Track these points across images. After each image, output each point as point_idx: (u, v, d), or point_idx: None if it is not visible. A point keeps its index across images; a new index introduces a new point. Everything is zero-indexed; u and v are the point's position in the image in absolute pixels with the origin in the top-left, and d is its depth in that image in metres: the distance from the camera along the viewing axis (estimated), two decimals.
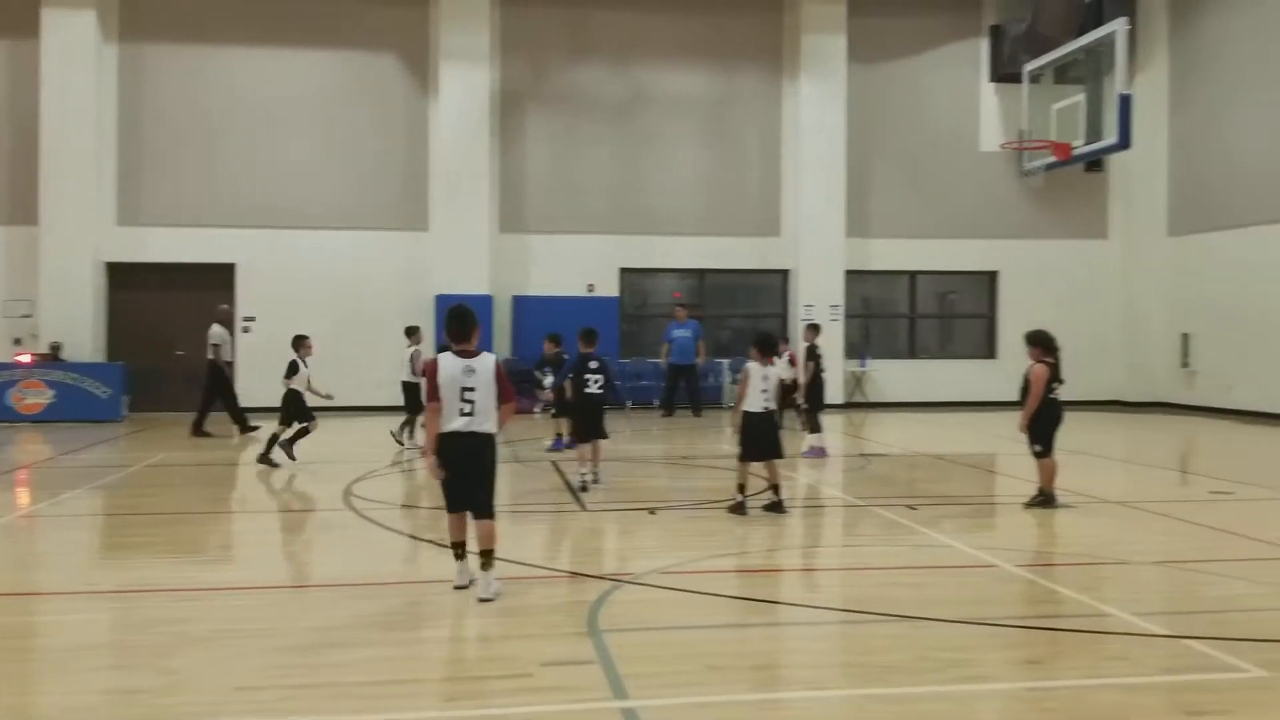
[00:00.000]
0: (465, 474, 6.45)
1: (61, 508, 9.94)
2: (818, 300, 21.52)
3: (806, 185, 21.55)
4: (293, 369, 13.02)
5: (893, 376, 22.30)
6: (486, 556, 6.37)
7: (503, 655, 5.43)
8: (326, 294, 20.37)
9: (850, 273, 21.86)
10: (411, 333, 15.30)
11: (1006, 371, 21.61)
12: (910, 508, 9.70)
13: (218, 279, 20.08)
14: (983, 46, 22.33)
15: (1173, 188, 21.79)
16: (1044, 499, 9.66)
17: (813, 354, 13.74)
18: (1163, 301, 21.81)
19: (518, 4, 21.18)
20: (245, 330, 20.10)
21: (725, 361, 21.56)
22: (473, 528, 6.52)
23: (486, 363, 6.45)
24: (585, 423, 10.98)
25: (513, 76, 21.26)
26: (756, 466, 9.37)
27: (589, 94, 21.49)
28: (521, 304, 20.92)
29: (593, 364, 11.03)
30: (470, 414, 6.35)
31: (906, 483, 12.00)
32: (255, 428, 16.11)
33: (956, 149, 22.25)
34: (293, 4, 20.57)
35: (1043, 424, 9.59)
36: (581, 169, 21.44)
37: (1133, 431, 17.81)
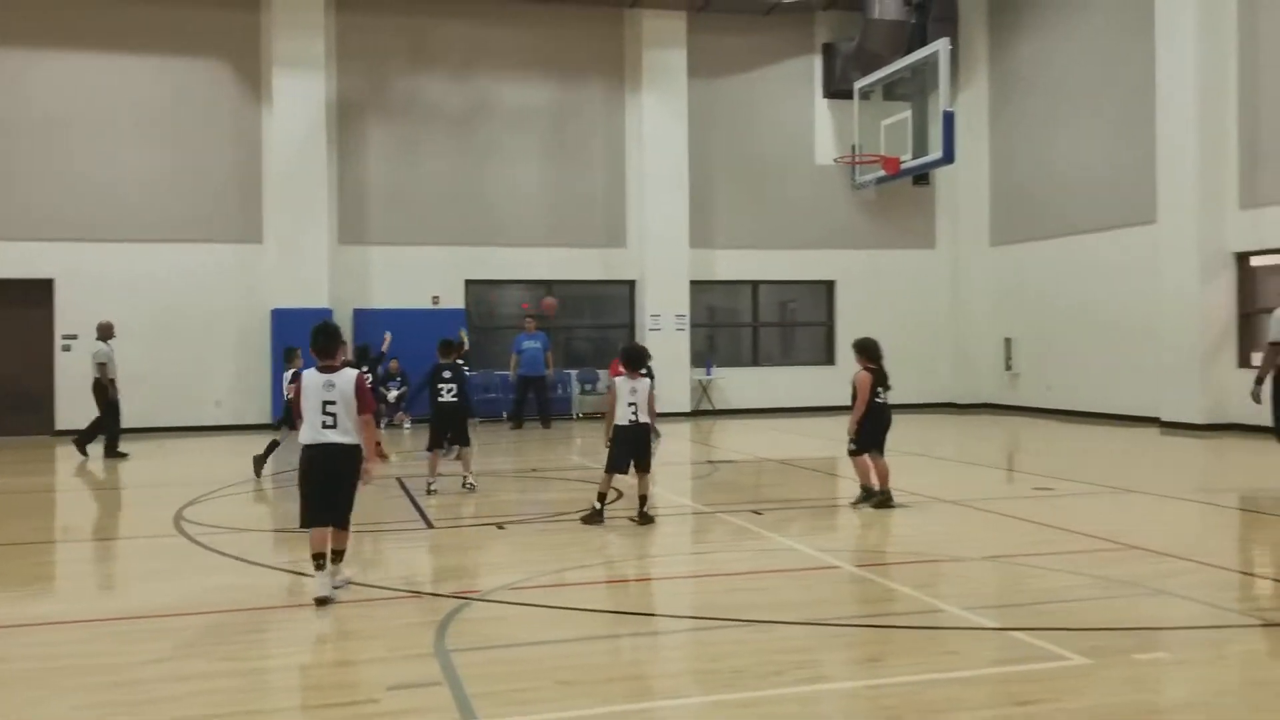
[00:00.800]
0: (326, 484, 6.78)
1: None
2: (664, 310, 21.80)
3: (651, 197, 21.81)
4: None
5: (737, 384, 22.74)
6: (336, 555, 6.85)
7: (346, 681, 5.29)
8: (155, 310, 19.51)
9: (695, 283, 22.22)
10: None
11: (845, 377, 22.34)
12: (756, 513, 9.90)
13: (34, 295, 19.01)
14: (816, 63, 23.06)
15: (994, 200, 22.96)
16: (879, 497, 10.07)
17: None
18: (987, 308, 22.93)
19: (354, 12, 20.78)
20: (66, 349, 19.06)
21: (574, 372, 21.61)
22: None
23: (346, 377, 6.79)
24: (439, 431, 11.25)
25: (350, 86, 20.83)
26: (619, 478, 9.51)
27: (430, 104, 21.23)
28: (363, 317, 20.49)
29: (446, 373, 11.18)
30: (332, 426, 6.72)
31: (752, 488, 12.25)
32: (125, 455, 15.32)
33: (794, 162, 22.90)
34: (114, 7, 19.66)
35: (870, 427, 10.07)
36: (424, 180, 21.15)
37: (962, 432, 18.62)
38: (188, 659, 5.57)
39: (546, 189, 21.82)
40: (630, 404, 9.32)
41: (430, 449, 11.32)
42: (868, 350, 10.30)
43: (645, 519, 9.33)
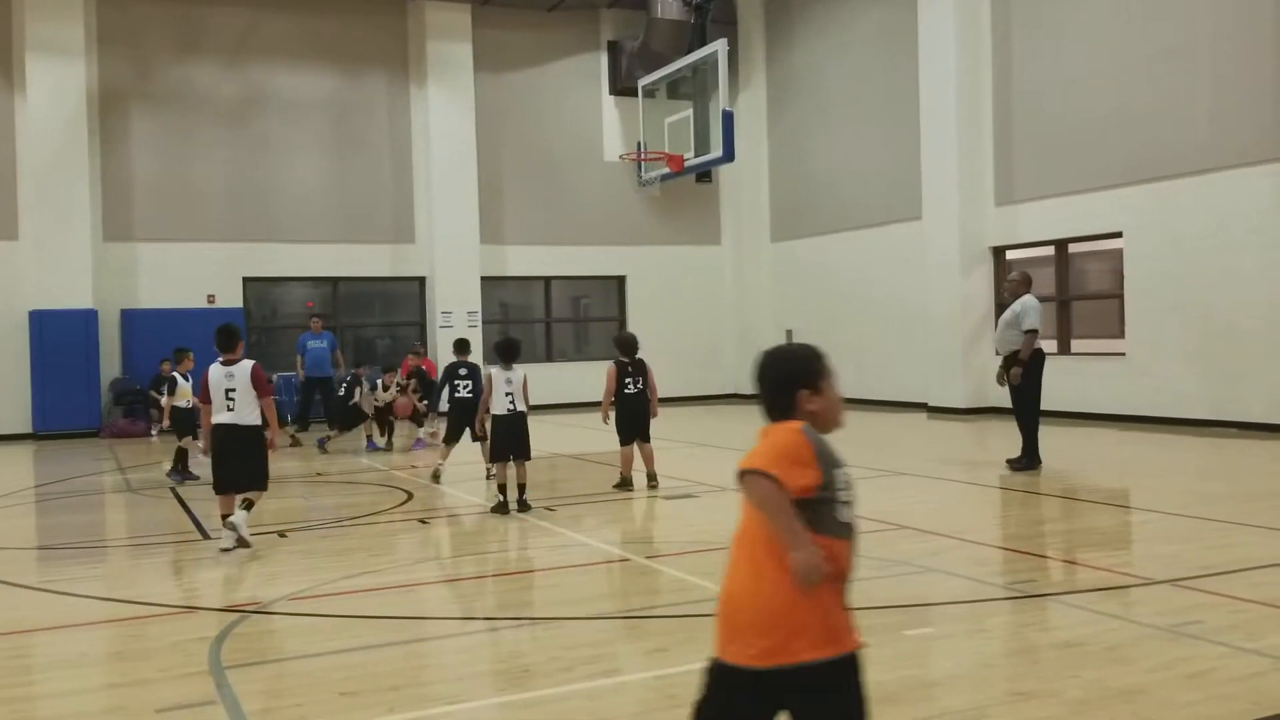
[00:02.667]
0: (231, 456, 8.18)
1: None
2: (455, 307, 21.53)
3: (439, 192, 21.49)
4: (172, 384, 12.61)
5: (531, 380, 22.60)
6: (246, 504, 8.21)
7: (112, 706, 4.96)
8: None
9: (487, 279, 22.05)
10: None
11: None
12: (549, 509, 9.91)
13: None
14: (602, 61, 23.27)
15: (774, 198, 23.80)
16: (622, 483, 10.85)
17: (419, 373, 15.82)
18: (769, 301, 23.76)
19: None
20: None
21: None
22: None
23: (244, 368, 8.22)
24: (457, 425, 12.38)
25: (114, 73, 19.59)
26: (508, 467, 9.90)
27: (203, 93, 20.23)
28: (132, 318, 19.35)
29: (462, 371, 12.47)
30: (232, 409, 8.14)
31: (546, 485, 12.20)
32: None
33: (583, 158, 23.04)
34: None
35: (624, 418, 10.84)
36: (197, 173, 20.13)
37: (746, 422, 19.10)
38: None
39: (329, 183, 21.16)
40: (507, 394, 9.87)
41: (446, 441, 12.43)
42: (620, 344, 11.09)
43: (524, 506, 9.67)
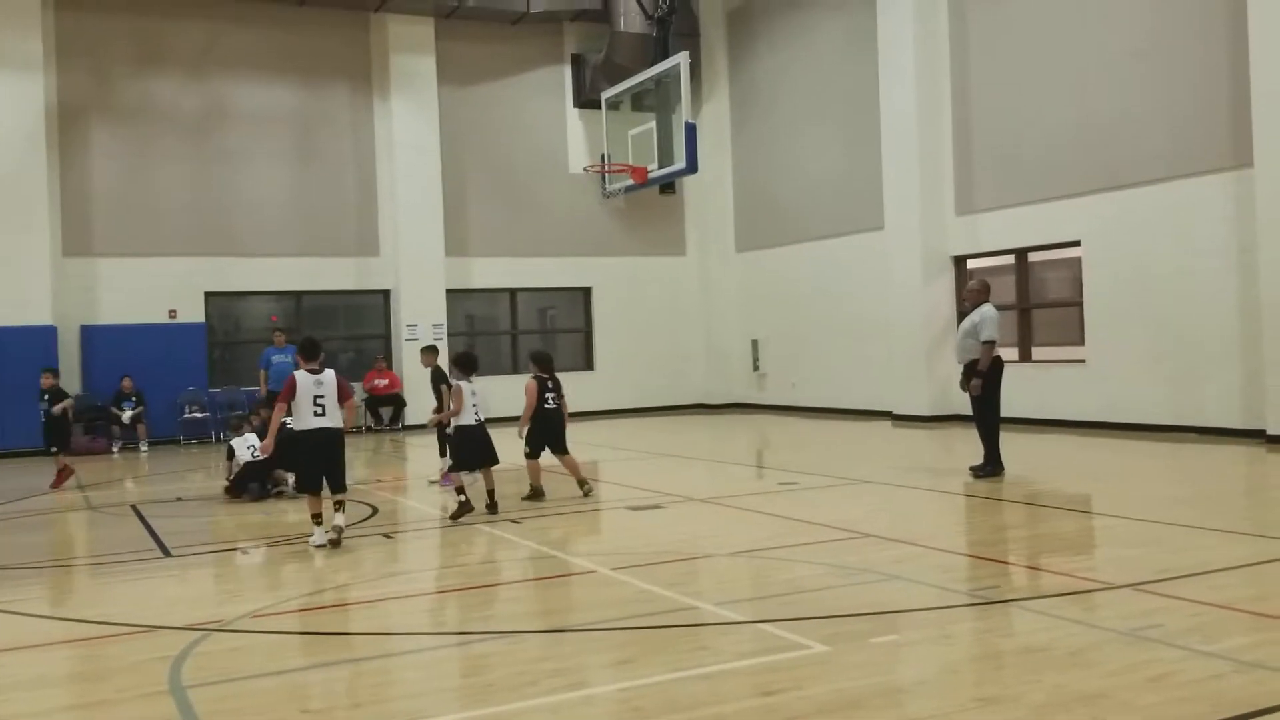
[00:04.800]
0: (323, 459, 8.76)
1: None
2: (420, 319, 21.45)
3: (404, 205, 21.43)
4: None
5: (498, 393, 22.46)
6: (339, 505, 8.83)
7: None
8: None
9: (452, 291, 21.97)
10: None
11: (604, 383, 22.71)
12: (514, 522, 9.87)
13: None
14: (566, 73, 23.31)
15: (738, 209, 23.91)
16: (533, 494, 11.03)
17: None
18: (735, 311, 23.84)
19: (75, 9, 19.37)
20: None
21: None
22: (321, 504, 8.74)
23: (331, 376, 8.84)
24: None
25: (73, 87, 19.39)
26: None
27: (163, 107, 20.06)
28: (92, 334, 19.12)
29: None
30: (321, 414, 8.69)
31: (512, 497, 12.17)
32: None
33: (548, 170, 23.04)
34: None
35: (541, 431, 11.03)
36: (158, 187, 19.95)
37: (713, 432, 19.24)
38: None
39: (293, 196, 21.03)
40: (473, 405, 10.21)
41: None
42: (539, 360, 11.36)
43: (493, 509, 10.09)
